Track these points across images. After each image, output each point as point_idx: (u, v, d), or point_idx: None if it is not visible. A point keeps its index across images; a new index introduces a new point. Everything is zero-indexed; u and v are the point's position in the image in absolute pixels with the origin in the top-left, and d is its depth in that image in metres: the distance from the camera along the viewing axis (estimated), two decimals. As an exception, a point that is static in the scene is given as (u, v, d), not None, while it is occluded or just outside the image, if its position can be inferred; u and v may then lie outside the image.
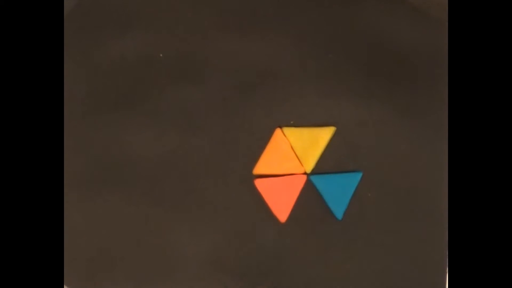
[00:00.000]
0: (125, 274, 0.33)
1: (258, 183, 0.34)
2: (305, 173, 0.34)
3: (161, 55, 0.37)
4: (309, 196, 0.34)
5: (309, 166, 0.34)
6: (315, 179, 0.34)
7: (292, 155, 0.34)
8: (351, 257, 0.33)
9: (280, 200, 0.34)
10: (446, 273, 0.32)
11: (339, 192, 0.33)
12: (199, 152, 0.35)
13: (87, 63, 0.37)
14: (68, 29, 0.38)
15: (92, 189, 0.35)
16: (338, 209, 0.34)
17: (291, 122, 0.35)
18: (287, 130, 0.35)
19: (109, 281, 0.33)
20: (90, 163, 0.35)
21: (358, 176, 0.34)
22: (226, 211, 0.34)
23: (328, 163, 0.34)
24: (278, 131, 0.35)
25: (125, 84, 0.37)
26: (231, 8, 0.38)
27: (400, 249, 0.33)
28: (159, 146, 0.35)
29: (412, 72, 0.36)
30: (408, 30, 0.37)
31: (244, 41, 0.37)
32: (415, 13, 0.37)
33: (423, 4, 0.37)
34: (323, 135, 0.34)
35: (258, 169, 0.34)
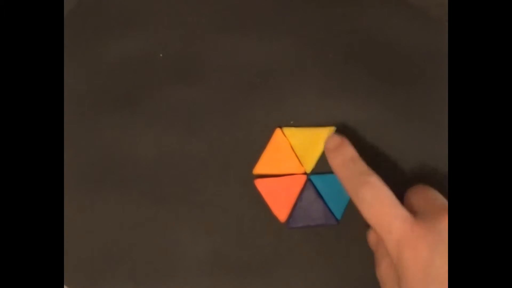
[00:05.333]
0: (125, 274, 0.33)
1: (258, 183, 0.34)
2: (305, 173, 0.34)
3: (161, 55, 0.37)
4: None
5: (309, 166, 0.34)
6: (315, 179, 0.34)
7: (292, 155, 0.34)
8: (350, 257, 0.33)
9: (280, 200, 0.34)
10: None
11: (339, 192, 0.33)
12: (199, 152, 0.35)
13: (87, 63, 0.37)
14: (68, 29, 0.38)
15: (92, 189, 0.35)
16: (338, 209, 0.34)
17: (291, 122, 0.35)
18: (287, 130, 0.35)
19: (109, 281, 0.33)
20: (90, 163, 0.35)
21: (358, 176, 0.34)
22: (226, 211, 0.34)
23: (328, 163, 0.34)
24: (278, 131, 0.35)
25: (125, 84, 0.37)
26: (231, 8, 0.38)
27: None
28: (159, 146, 0.35)
29: (412, 72, 0.36)
30: (408, 30, 0.37)
31: (244, 41, 0.37)
32: (415, 13, 0.37)
33: (423, 4, 0.37)
34: (323, 135, 0.34)
35: (258, 169, 0.34)
